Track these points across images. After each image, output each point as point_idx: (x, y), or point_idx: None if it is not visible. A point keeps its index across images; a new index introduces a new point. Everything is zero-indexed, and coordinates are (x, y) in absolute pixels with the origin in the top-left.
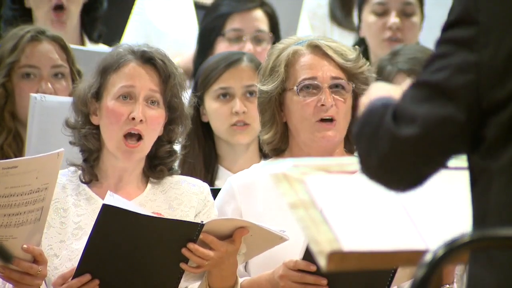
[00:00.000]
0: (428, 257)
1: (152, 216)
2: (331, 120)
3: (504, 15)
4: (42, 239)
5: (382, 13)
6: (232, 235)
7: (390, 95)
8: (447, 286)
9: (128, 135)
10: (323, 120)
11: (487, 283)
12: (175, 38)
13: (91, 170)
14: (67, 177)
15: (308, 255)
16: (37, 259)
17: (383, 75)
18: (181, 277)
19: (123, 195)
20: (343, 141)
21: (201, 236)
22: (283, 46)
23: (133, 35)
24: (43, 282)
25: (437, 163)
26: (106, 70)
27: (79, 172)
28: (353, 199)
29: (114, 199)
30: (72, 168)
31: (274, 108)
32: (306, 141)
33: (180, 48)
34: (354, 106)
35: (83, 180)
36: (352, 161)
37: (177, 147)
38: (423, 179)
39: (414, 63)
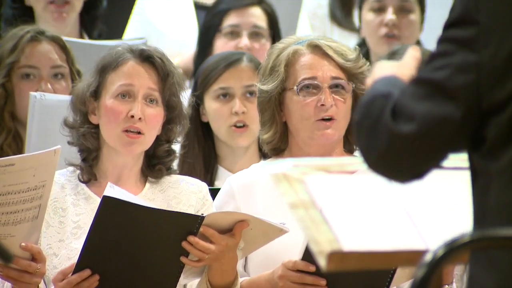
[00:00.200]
0: (428, 257)
1: (153, 208)
2: (331, 119)
3: (504, 15)
4: (41, 239)
5: (379, 10)
6: (232, 229)
7: (394, 73)
8: (446, 286)
9: (128, 131)
10: (322, 120)
11: (487, 283)
12: (175, 38)
13: (89, 170)
14: (65, 177)
15: (307, 256)
16: (36, 257)
17: None
18: (181, 271)
19: None
20: (342, 141)
21: (201, 230)
22: (283, 46)
23: (133, 35)
24: (42, 280)
25: (435, 160)
26: (105, 69)
27: (78, 171)
28: (353, 199)
29: (115, 191)
30: (71, 168)
31: (273, 108)
32: (305, 140)
33: (180, 48)
34: (354, 106)
35: (82, 180)
36: (352, 161)
37: (176, 147)
38: (423, 173)
39: None
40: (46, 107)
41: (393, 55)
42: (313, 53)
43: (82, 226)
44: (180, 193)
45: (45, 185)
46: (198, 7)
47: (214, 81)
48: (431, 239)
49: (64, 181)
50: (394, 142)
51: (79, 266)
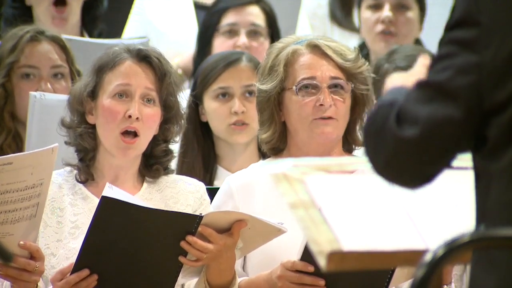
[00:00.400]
0: (428, 257)
1: (151, 208)
2: (330, 118)
3: (505, 16)
4: (39, 239)
5: (376, 7)
6: (230, 228)
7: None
8: (445, 286)
9: (125, 133)
10: (321, 119)
11: (488, 283)
12: (174, 38)
13: (87, 170)
14: (63, 177)
15: (306, 256)
16: (34, 256)
17: (380, 74)
18: (180, 271)
19: None
20: (341, 141)
21: (199, 229)
22: (282, 45)
23: (133, 35)
24: (41, 279)
25: (441, 163)
26: (102, 68)
27: (75, 171)
28: (353, 199)
29: (113, 191)
30: (68, 168)
31: (272, 107)
32: (304, 140)
33: (180, 48)
34: (353, 106)
35: (79, 180)
36: (352, 161)
37: (175, 147)
38: (431, 177)
39: (411, 60)
40: (46, 107)
41: (392, 54)
42: (312, 53)
43: (80, 226)
44: (177, 193)
45: (43, 183)
46: (198, 6)
47: (214, 80)
48: (431, 239)
49: (61, 181)
50: (399, 147)
51: (78, 266)
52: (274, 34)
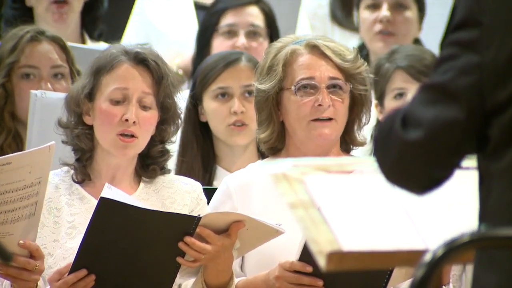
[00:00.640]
0: (427, 257)
1: (149, 209)
2: (328, 119)
3: (506, 16)
4: (36, 239)
5: (375, 7)
6: (228, 229)
7: None
8: (444, 287)
9: (122, 134)
10: (319, 120)
11: (489, 284)
12: (175, 38)
13: (83, 170)
14: (59, 177)
15: (304, 256)
16: (34, 254)
17: (380, 73)
18: (178, 272)
19: None
20: (340, 141)
21: (197, 230)
22: (281, 45)
23: (133, 35)
24: (41, 278)
25: (447, 165)
26: (99, 70)
27: (72, 171)
28: (352, 199)
29: (112, 192)
30: (65, 168)
31: (271, 107)
32: (302, 140)
33: (180, 48)
34: (352, 106)
35: (76, 180)
36: (352, 161)
37: (175, 146)
38: (438, 181)
39: (412, 60)
40: (47, 105)
41: (393, 54)
42: (311, 53)
43: (77, 226)
44: (174, 193)
45: (41, 181)
46: (198, 7)
47: (213, 80)
48: (430, 239)
49: (58, 181)
50: (404, 150)
51: (76, 266)
52: (273, 34)
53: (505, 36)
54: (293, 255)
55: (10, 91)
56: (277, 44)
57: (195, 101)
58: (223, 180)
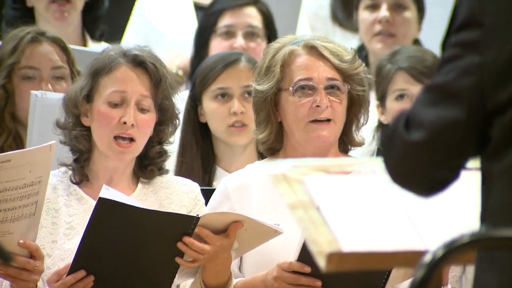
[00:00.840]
0: (427, 258)
1: (148, 210)
2: (326, 120)
3: (507, 17)
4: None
5: (374, 8)
6: (227, 229)
7: None
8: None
9: (119, 138)
10: (317, 121)
11: (490, 283)
12: (175, 39)
13: (81, 171)
14: (57, 178)
15: (302, 257)
16: (34, 254)
17: (382, 75)
18: (176, 272)
19: None
20: (338, 141)
21: (196, 230)
22: (279, 46)
23: (133, 36)
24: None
25: (449, 166)
26: (98, 72)
27: (70, 172)
28: (352, 199)
29: (110, 193)
30: (63, 169)
31: (269, 108)
32: (300, 141)
33: (180, 49)
34: (349, 107)
35: (74, 181)
36: (352, 162)
37: (174, 147)
38: (443, 183)
39: (413, 61)
40: (47, 106)
41: (395, 55)
42: (309, 54)
43: (75, 227)
44: (172, 194)
45: (41, 181)
46: (198, 8)
47: (213, 81)
48: (430, 240)
49: (56, 182)
50: (407, 152)
51: (74, 267)
52: (271, 35)
53: (506, 37)
54: (291, 256)
55: (10, 92)
56: (275, 44)
57: (194, 102)
58: (222, 180)
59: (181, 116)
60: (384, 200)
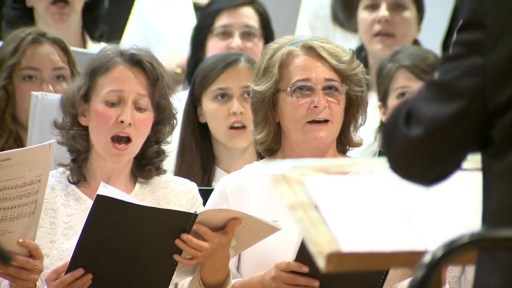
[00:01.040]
0: (427, 258)
1: (146, 206)
2: (324, 121)
3: (508, 18)
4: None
5: (373, 7)
6: (225, 226)
7: None
8: None
9: (116, 138)
10: (315, 122)
11: (490, 283)
12: (174, 39)
13: (79, 171)
14: (55, 178)
15: (300, 257)
16: (33, 254)
17: (383, 74)
18: (175, 269)
19: None
20: (336, 142)
21: (194, 227)
22: (277, 46)
23: (133, 36)
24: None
25: (448, 161)
26: (95, 72)
27: (67, 172)
28: (352, 200)
29: (108, 190)
30: (61, 169)
31: (267, 109)
32: (298, 142)
33: (180, 49)
34: (347, 108)
35: (71, 181)
36: (351, 162)
37: (174, 147)
38: (442, 176)
39: (415, 59)
40: (48, 107)
41: (396, 54)
42: (307, 55)
43: (73, 227)
44: (170, 193)
45: (41, 180)
46: (197, 8)
47: (212, 81)
48: (429, 240)
49: (54, 182)
50: (406, 146)
51: (73, 265)
52: (268, 35)
53: (507, 38)
54: (289, 256)
55: (11, 93)
56: (273, 45)
57: (194, 102)
58: (219, 181)
59: (179, 116)
60: (383, 200)
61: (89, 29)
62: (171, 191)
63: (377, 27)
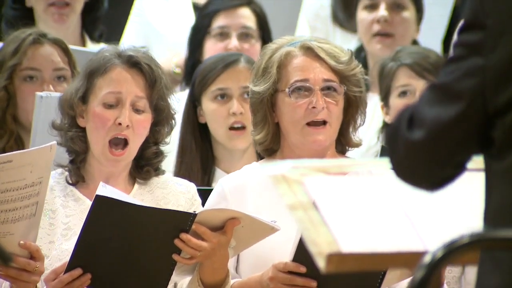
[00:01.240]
0: (427, 259)
1: (145, 206)
2: (322, 123)
3: (509, 18)
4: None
5: (372, 7)
6: (224, 226)
7: None
8: None
9: (114, 141)
10: (313, 123)
11: (491, 283)
12: (173, 39)
13: (77, 172)
14: (54, 179)
15: (298, 257)
16: (34, 255)
17: (384, 73)
18: (173, 269)
19: None
20: (335, 142)
21: (193, 227)
22: (276, 46)
23: (132, 36)
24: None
25: (450, 164)
26: (93, 74)
27: (66, 173)
28: (352, 200)
29: (107, 190)
30: (59, 170)
31: (266, 109)
32: (296, 143)
33: (179, 49)
34: (346, 108)
35: (70, 182)
36: (351, 163)
37: (173, 147)
38: (445, 180)
39: (416, 57)
40: (52, 106)
41: (397, 53)
42: (305, 55)
43: (72, 228)
44: (168, 194)
45: (42, 181)
46: (197, 8)
47: (212, 82)
48: (429, 241)
49: (53, 183)
50: (408, 149)
51: (71, 265)
52: (265, 35)
53: (507, 39)
54: (287, 256)
55: (12, 93)
56: (272, 45)
57: (194, 103)
58: (218, 181)
59: (177, 117)
60: (383, 200)
61: (88, 29)
62: (170, 192)
63: (376, 27)
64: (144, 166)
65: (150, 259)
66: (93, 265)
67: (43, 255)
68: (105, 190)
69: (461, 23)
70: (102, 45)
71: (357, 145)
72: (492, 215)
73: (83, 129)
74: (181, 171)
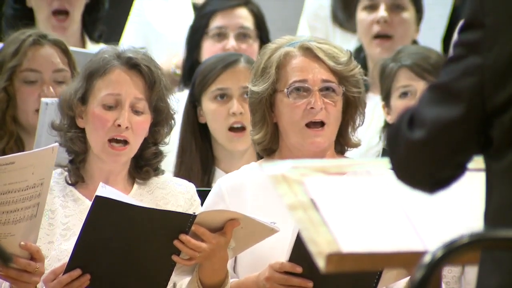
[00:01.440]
0: (427, 258)
1: (145, 207)
2: (320, 123)
3: (508, 18)
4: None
5: (372, 8)
6: (223, 227)
7: None
8: None
9: (114, 140)
10: (312, 124)
11: (491, 283)
12: (173, 39)
13: (77, 172)
14: (53, 179)
15: (294, 257)
16: (35, 256)
17: (385, 74)
18: (173, 270)
19: None
20: (334, 143)
21: (193, 228)
22: (275, 46)
23: (132, 36)
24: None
25: (450, 164)
26: (92, 75)
27: (65, 173)
28: (352, 200)
29: (107, 191)
30: (59, 170)
31: (265, 109)
32: (295, 144)
33: (179, 50)
34: (345, 109)
35: (69, 182)
36: (351, 163)
37: (169, 148)
38: (447, 181)
39: (416, 58)
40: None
41: (398, 54)
42: (304, 56)
43: (72, 228)
44: (168, 194)
45: (43, 183)
46: (196, 8)
47: (212, 82)
48: (429, 240)
49: (52, 183)
50: (408, 149)
51: (71, 265)
52: (263, 35)
53: (506, 38)
54: (284, 256)
55: (12, 95)
56: (271, 45)
57: (194, 103)
58: (216, 181)
59: (177, 117)
60: (383, 200)
61: (88, 30)
62: (169, 192)
63: (375, 28)
64: (144, 166)
65: (150, 260)
66: (92, 265)
67: (43, 256)
68: (104, 190)
69: (461, 22)
70: (101, 45)
71: (356, 145)
72: (492, 215)
73: (83, 130)
74: (181, 171)
